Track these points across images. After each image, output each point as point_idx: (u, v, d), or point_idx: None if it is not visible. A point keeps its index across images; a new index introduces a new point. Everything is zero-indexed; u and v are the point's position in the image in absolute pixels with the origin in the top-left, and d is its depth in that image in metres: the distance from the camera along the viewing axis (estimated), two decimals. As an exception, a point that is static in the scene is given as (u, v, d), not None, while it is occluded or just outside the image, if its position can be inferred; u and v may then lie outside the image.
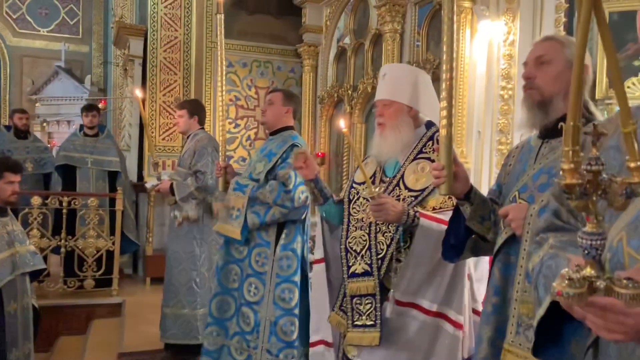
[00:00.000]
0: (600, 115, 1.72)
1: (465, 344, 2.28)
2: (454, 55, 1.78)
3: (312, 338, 2.60)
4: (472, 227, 1.80)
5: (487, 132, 3.79)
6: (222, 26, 3.32)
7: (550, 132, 1.66)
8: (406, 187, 2.25)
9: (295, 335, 3.01)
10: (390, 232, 2.21)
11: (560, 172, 0.89)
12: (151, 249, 6.20)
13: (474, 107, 3.88)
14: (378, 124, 2.34)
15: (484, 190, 1.92)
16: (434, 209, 2.18)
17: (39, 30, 12.24)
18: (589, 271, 0.86)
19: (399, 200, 2.21)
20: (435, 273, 2.16)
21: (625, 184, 0.85)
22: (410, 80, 2.33)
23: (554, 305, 1.05)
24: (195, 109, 4.23)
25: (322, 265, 2.53)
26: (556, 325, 1.14)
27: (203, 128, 4.26)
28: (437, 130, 2.29)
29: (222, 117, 3.47)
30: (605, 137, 1.16)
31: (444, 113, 1.69)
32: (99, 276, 5.46)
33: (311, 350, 2.61)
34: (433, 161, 2.23)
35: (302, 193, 3.00)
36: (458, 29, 3.93)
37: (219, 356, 3.10)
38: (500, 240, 1.70)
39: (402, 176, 2.28)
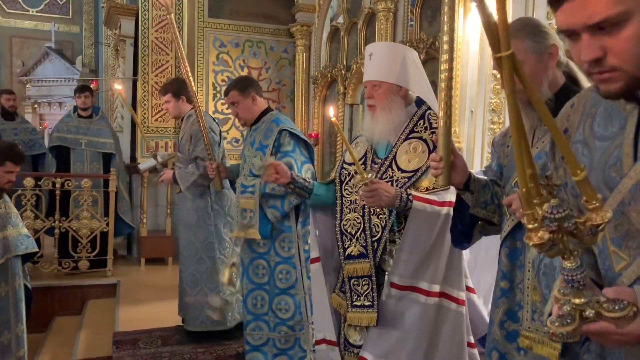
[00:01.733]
0: (585, 81, 1.64)
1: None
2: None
3: (316, 336, 2.60)
4: (477, 214, 1.81)
5: (479, 111, 3.81)
6: (175, 27, 3.43)
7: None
8: (399, 169, 2.23)
9: None
10: (384, 214, 2.21)
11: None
12: (145, 230, 6.22)
13: (467, 86, 3.88)
14: (368, 105, 2.32)
15: (477, 169, 1.92)
16: (427, 189, 2.18)
17: (28, 10, 12.10)
18: (577, 301, 0.90)
19: (391, 182, 2.20)
20: (431, 254, 2.16)
21: (589, 227, 0.88)
22: (398, 59, 2.29)
23: None
24: (179, 89, 3.98)
25: (319, 264, 2.51)
26: None
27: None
28: (428, 108, 2.29)
29: (201, 118, 3.44)
30: (571, 132, 1.16)
31: (443, 105, 1.67)
32: (94, 257, 5.48)
33: (316, 347, 2.63)
34: (425, 140, 2.23)
35: (307, 172, 3.02)
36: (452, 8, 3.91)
37: (266, 349, 3.15)
38: (506, 228, 1.71)
39: (395, 157, 2.26)
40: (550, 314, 1.04)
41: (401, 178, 2.20)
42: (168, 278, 5.28)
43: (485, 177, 1.87)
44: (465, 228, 1.89)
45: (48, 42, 11.83)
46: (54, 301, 5.14)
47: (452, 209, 2.08)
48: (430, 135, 2.22)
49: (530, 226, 0.88)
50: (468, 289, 2.36)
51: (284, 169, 2.50)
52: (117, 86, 3.96)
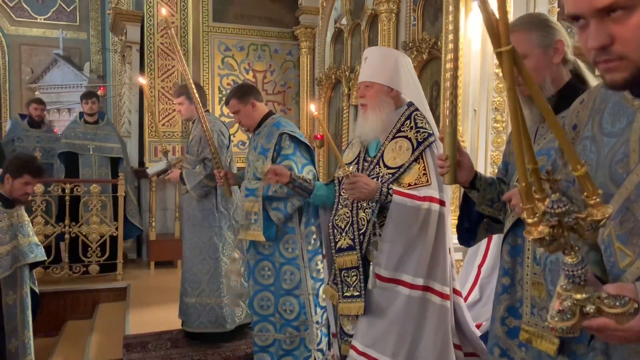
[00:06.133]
0: (593, 80, 1.63)
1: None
2: (450, 36, 1.77)
3: (332, 331, 2.74)
4: (483, 212, 1.83)
5: (482, 110, 3.81)
6: (176, 38, 3.47)
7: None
8: (385, 165, 2.35)
9: None
10: (370, 208, 2.32)
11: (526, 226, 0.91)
12: (154, 233, 6.28)
13: (469, 85, 3.88)
14: (360, 105, 2.44)
15: (480, 169, 1.94)
16: (409, 185, 2.28)
17: (36, 18, 12.21)
18: (578, 296, 0.90)
19: (377, 178, 2.31)
20: (414, 248, 2.24)
21: (589, 222, 0.88)
22: (390, 62, 2.41)
23: None
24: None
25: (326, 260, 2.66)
26: None
27: (208, 110, 4.19)
28: (416, 109, 2.40)
29: (202, 116, 3.48)
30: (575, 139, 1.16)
31: (448, 104, 1.70)
32: (104, 261, 5.54)
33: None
34: (410, 139, 2.33)
35: (309, 173, 3.07)
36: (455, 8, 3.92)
37: (273, 350, 3.19)
38: (507, 224, 1.72)
39: (382, 155, 2.38)
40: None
41: (386, 174, 2.32)
42: (177, 281, 5.28)
43: (492, 176, 1.90)
44: (471, 225, 1.91)
45: (56, 49, 11.93)
46: (66, 305, 5.21)
47: (433, 204, 2.20)
48: (415, 135, 2.32)
49: (529, 220, 0.89)
50: (455, 291, 2.43)
51: (283, 170, 2.64)
52: (142, 80, 4.04)
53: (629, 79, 0.95)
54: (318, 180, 3.18)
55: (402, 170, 2.29)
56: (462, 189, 1.92)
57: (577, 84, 1.61)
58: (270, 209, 3.09)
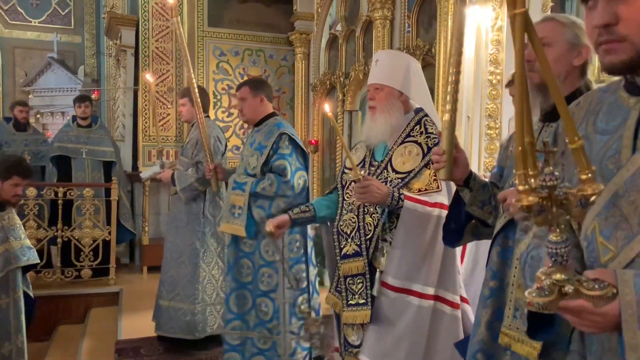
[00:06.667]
0: None
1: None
2: (452, 42, 1.76)
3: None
4: (473, 213, 1.81)
5: (476, 117, 3.83)
6: (181, 29, 3.48)
7: (549, 116, 1.63)
8: (393, 170, 2.29)
9: (311, 310, 3.15)
10: (377, 213, 2.26)
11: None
12: (147, 238, 6.26)
13: (463, 92, 3.91)
14: (369, 107, 2.38)
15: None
16: (419, 190, 2.23)
17: (31, 22, 12.17)
18: (558, 276, 0.91)
19: (386, 182, 2.25)
20: (424, 256, 2.19)
21: (579, 196, 0.89)
22: (402, 66, 2.37)
23: None
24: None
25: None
26: None
27: (208, 116, 4.21)
28: (426, 115, 2.35)
29: (201, 119, 3.50)
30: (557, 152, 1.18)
31: (449, 98, 1.68)
32: (96, 266, 5.51)
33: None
34: (420, 144, 2.28)
35: (300, 179, 3.05)
36: (447, 14, 3.96)
37: (244, 349, 3.17)
38: (498, 225, 1.71)
39: (390, 160, 2.32)
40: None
41: (395, 179, 2.27)
42: (170, 286, 5.30)
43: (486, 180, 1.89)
44: (457, 226, 1.89)
45: (50, 52, 11.90)
46: (57, 310, 5.18)
47: (443, 210, 2.12)
48: (426, 140, 2.28)
49: (521, 187, 0.89)
50: (462, 299, 2.37)
51: (283, 217, 2.55)
52: (150, 78, 4.03)
53: (627, 62, 0.97)
54: (308, 187, 3.17)
55: (412, 175, 2.25)
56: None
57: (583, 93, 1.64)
58: (254, 205, 3.05)
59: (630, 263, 0.97)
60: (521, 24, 0.87)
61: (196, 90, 3.51)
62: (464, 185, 1.76)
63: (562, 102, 0.91)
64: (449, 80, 1.69)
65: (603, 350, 1.03)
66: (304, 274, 3.16)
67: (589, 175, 0.88)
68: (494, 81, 3.79)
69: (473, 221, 1.86)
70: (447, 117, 1.68)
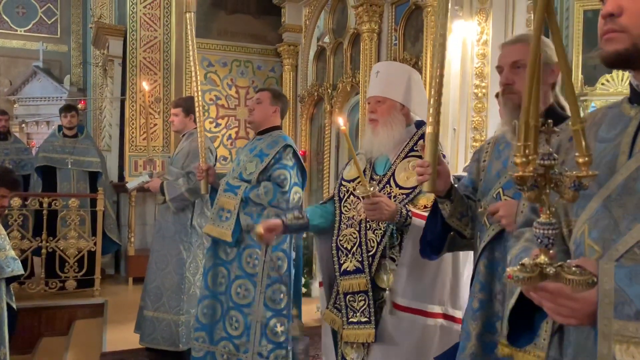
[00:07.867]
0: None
1: None
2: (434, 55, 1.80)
3: None
4: (452, 224, 1.81)
5: (462, 129, 3.88)
6: (193, 25, 3.40)
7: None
8: (397, 185, 2.25)
9: (285, 337, 3.01)
10: (380, 229, 2.21)
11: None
12: (133, 249, 6.20)
13: (449, 105, 3.96)
14: (370, 120, 2.34)
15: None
16: (425, 207, 2.18)
17: (16, 30, 12.11)
18: (542, 259, 0.92)
19: (389, 198, 2.21)
20: (432, 273, 2.15)
21: (574, 177, 0.90)
22: (403, 78, 2.33)
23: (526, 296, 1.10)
24: (191, 107, 3.99)
25: (323, 288, 2.49)
26: (529, 314, 1.20)
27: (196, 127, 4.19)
28: None
29: (200, 119, 3.50)
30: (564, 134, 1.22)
31: (432, 111, 1.71)
32: (81, 277, 5.44)
33: None
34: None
35: (295, 194, 3.02)
36: (434, 28, 4.01)
37: None
38: (487, 237, 1.72)
39: (393, 174, 2.28)
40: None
41: (399, 194, 2.22)
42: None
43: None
44: (433, 239, 1.90)
45: (36, 61, 11.83)
46: (41, 322, 5.10)
47: None
48: None
49: (518, 160, 0.91)
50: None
51: (275, 222, 2.43)
52: (146, 86, 4.03)
53: (622, 53, 1.02)
54: (301, 205, 3.12)
55: (417, 191, 2.20)
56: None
57: (556, 109, 1.70)
58: (242, 211, 2.99)
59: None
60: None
61: (199, 98, 3.51)
62: (445, 197, 1.78)
63: (570, 81, 0.96)
64: (431, 92, 1.72)
65: (578, 351, 1.05)
66: (282, 296, 3.02)
67: (586, 158, 0.90)
68: (480, 94, 3.85)
69: (451, 233, 1.87)
70: (430, 129, 1.71)
